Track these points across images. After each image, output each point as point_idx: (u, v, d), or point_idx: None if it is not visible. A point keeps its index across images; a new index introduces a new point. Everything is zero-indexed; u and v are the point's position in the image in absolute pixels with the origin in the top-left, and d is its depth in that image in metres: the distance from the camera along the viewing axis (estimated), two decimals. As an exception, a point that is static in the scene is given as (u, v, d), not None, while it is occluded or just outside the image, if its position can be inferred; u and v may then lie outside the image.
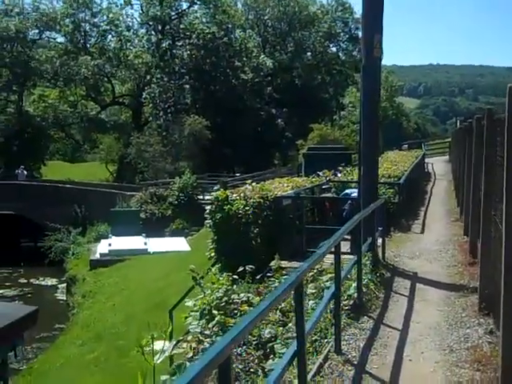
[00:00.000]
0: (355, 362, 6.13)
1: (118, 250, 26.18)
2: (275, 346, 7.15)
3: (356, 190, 13.01)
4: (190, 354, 8.23)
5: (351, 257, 9.02)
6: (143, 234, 28.61)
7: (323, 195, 15.49)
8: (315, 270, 9.24)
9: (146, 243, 27.09)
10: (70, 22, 58.59)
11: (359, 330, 7.14)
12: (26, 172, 44.62)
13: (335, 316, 6.61)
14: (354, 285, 8.36)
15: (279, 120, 57.76)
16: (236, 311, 8.78)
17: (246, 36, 57.84)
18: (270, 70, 57.75)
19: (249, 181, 13.67)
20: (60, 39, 61.91)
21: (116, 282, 23.17)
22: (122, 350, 14.67)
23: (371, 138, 10.99)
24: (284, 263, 10.88)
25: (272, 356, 7.03)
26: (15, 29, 54.89)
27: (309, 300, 8.21)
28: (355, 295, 8.09)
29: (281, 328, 7.65)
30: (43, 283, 30.32)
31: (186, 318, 8.90)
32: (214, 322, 8.30)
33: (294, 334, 6.79)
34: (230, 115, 50.95)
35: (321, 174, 17.02)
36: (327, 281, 8.72)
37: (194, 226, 29.49)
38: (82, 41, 60.25)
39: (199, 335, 8.29)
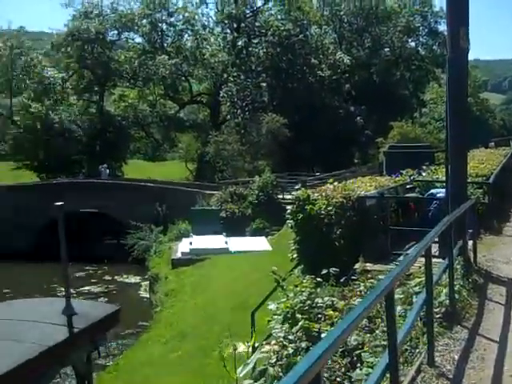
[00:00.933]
0: (450, 376, 5.77)
1: (199, 249, 26.32)
2: (362, 354, 6.88)
3: (442, 190, 12.50)
4: (273, 360, 8.07)
5: (439, 260, 8.63)
6: (224, 233, 28.70)
7: (408, 195, 14.99)
8: (402, 274, 8.88)
9: (226, 242, 27.14)
10: (147, 22, 59.82)
11: (453, 341, 6.76)
12: (108, 170, 45.73)
13: (427, 324, 6.28)
14: (445, 291, 7.96)
15: (358, 118, 56.87)
16: (320, 315, 8.54)
17: (321, 32, 57.38)
18: (347, 66, 56.91)
19: (330, 180, 13.39)
20: (138, 39, 63.42)
21: (197, 281, 23.28)
22: (204, 351, 14.68)
23: (460, 134, 10.44)
24: (369, 266, 10.56)
25: (359, 365, 6.77)
26: (95, 30, 56.51)
27: (396, 306, 7.90)
28: (447, 302, 7.69)
29: (368, 335, 7.38)
30: (127, 281, 30.96)
31: (269, 321, 8.74)
32: (297, 327, 8.09)
33: (383, 342, 6.53)
34: (307, 113, 50.55)
35: (404, 172, 16.49)
36: (415, 286, 8.37)
37: (274, 225, 29.34)
38: (159, 40, 61.32)
39: (283, 340, 8.11)
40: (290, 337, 8.12)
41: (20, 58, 57.56)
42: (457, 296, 7.92)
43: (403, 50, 64.26)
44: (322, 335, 7.69)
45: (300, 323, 8.11)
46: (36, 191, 39.29)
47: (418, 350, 6.44)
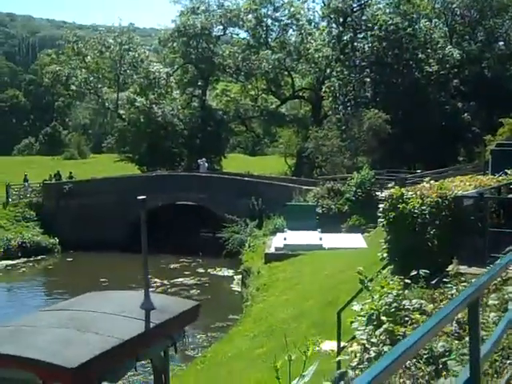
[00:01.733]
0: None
1: (293, 245, 26.09)
2: (449, 362, 6.39)
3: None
4: (355, 362, 7.69)
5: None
6: (318, 230, 28.35)
7: (510, 195, 14.08)
8: (499, 279, 8.26)
9: (321, 238, 26.75)
10: (252, 17, 60.19)
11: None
12: (207, 164, 46.34)
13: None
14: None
15: (465, 114, 54.73)
16: (407, 319, 8.07)
17: (431, 26, 55.43)
18: (457, 61, 54.81)
19: (427, 178, 12.76)
20: (242, 35, 63.91)
21: (290, 277, 23.08)
22: (289, 347, 14.41)
23: None
24: (463, 268, 9.95)
25: (444, 373, 6.29)
26: (201, 26, 57.43)
27: (490, 312, 7.32)
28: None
29: (456, 342, 6.86)
30: (220, 273, 31.25)
31: (352, 322, 8.37)
32: (381, 330, 7.67)
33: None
34: (412, 109, 49.17)
35: (509, 172, 15.51)
36: (512, 292, 7.76)
37: (370, 222, 28.64)
38: (263, 35, 61.54)
39: (365, 342, 7.72)
40: (373, 340, 7.72)
41: (128, 54, 59.31)
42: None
43: (518, 43, 61.20)
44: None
45: (384, 326, 7.68)
46: (135, 183, 40.43)
47: (509, 362, 5.88)
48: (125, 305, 6.78)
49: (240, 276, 28.27)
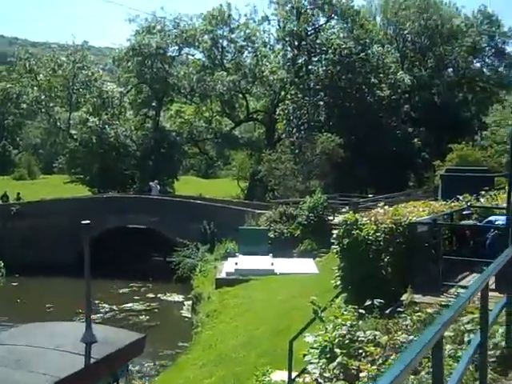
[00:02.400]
0: None
1: (245, 270, 25.74)
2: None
3: (502, 218, 11.56)
4: (307, 399, 7.36)
5: (495, 294, 7.76)
6: (270, 254, 28.09)
7: (463, 222, 14.02)
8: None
9: (272, 263, 26.46)
10: (208, 38, 60.04)
11: (508, 390, 5.89)
12: (159, 186, 45.72)
13: (480, 369, 5.45)
14: (501, 331, 7.09)
15: (416, 139, 55.54)
16: (361, 351, 7.78)
17: (383, 51, 56.24)
18: (408, 86, 55.68)
19: (381, 204, 12.59)
20: (198, 55, 63.66)
21: (241, 303, 22.67)
22: (239, 378, 14.03)
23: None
24: (417, 297, 9.74)
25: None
26: (156, 45, 56.96)
27: (446, 344, 7.06)
28: (503, 344, 6.82)
29: (412, 377, 6.58)
30: (170, 299, 30.61)
31: (305, 355, 8.03)
32: (334, 364, 7.36)
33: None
34: (364, 133, 49.61)
35: (460, 197, 15.50)
36: (468, 322, 7.53)
37: (322, 247, 28.49)
38: (218, 57, 61.48)
39: (318, 377, 7.39)
40: (326, 374, 7.40)
41: (81, 73, 58.37)
42: (514, 337, 7.02)
43: (467, 70, 62.44)
44: (361, 374, 6.94)
45: (337, 360, 7.37)
46: (86, 205, 39.56)
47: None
48: (64, 338, 6.33)
49: (190, 301, 27.72)
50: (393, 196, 35.51)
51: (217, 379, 14.45)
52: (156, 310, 28.23)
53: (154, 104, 60.29)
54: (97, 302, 27.90)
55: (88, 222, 6.37)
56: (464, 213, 14.36)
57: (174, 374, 17.08)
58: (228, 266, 26.90)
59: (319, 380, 7.25)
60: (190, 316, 26.50)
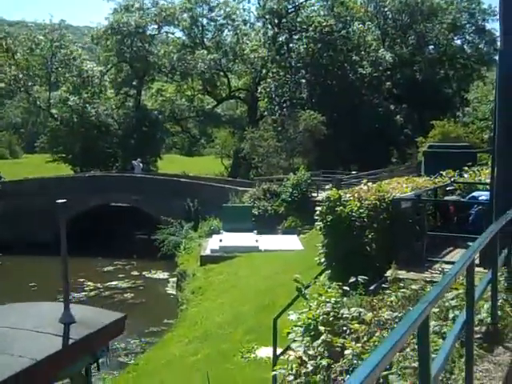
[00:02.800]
0: (491, 411, 4.94)
1: (229, 247, 25.75)
2: (390, 376, 6.06)
3: (485, 193, 11.56)
4: (291, 377, 7.31)
5: (480, 269, 7.75)
6: (255, 231, 28.10)
7: (447, 198, 14.03)
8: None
9: (257, 240, 26.49)
10: (188, 16, 59.72)
11: (494, 365, 5.88)
12: (142, 165, 45.47)
13: (466, 346, 5.42)
14: (487, 306, 7.07)
15: (398, 116, 55.63)
16: (345, 328, 7.74)
17: (364, 29, 56.09)
18: (390, 64, 55.66)
19: (364, 180, 12.54)
20: (178, 34, 63.21)
21: (226, 280, 22.72)
22: (225, 355, 14.06)
23: (509, 133, 9.47)
24: (401, 273, 9.71)
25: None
26: (135, 24, 56.48)
27: (430, 321, 7.03)
28: (488, 320, 6.81)
29: (397, 354, 6.55)
30: (155, 276, 30.59)
31: (289, 333, 7.98)
32: (319, 342, 7.31)
33: (413, 364, 5.72)
34: (346, 111, 49.63)
35: (444, 173, 15.50)
36: (453, 299, 7.50)
37: (306, 224, 28.53)
38: (199, 35, 61.14)
39: (302, 355, 7.35)
40: (311, 352, 7.36)
41: (60, 51, 57.57)
42: (500, 313, 7.01)
43: (448, 47, 62.66)
44: (346, 352, 6.91)
45: (322, 337, 7.33)
46: (68, 184, 39.32)
47: (453, 377, 5.60)
48: (42, 319, 6.20)
49: (175, 279, 27.71)
50: (376, 172, 35.57)
51: (202, 356, 14.47)
52: (141, 288, 28.23)
53: (134, 83, 59.80)
54: (81, 280, 27.87)
55: (64, 200, 6.20)
56: (447, 189, 14.36)
57: (159, 351, 17.08)
58: (212, 243, 26.89)
59: (303, 358, 7.21)
60: (174, 293, 26.51)
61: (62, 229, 5.93)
